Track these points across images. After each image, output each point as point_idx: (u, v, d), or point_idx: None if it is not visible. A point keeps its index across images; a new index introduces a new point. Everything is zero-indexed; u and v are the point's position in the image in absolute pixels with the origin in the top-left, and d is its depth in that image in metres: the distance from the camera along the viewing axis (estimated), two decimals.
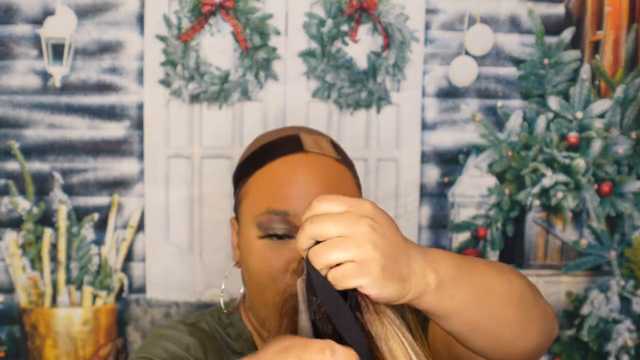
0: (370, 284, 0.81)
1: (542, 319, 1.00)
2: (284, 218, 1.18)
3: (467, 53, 2.07)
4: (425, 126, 2.08)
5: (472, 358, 1.05)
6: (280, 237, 1.19)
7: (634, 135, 2.13)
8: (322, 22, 2.01)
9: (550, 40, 2.09)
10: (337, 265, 0.82)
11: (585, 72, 2.10)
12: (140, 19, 1.99)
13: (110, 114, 2.00)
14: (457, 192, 2.10)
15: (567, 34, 2.09)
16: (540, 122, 2.10)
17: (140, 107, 2.01)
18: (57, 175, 2.01)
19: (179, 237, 2.05)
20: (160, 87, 2.00)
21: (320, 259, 0.82)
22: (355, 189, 1.27)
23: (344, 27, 2.02)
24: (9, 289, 2.03)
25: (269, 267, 1.18)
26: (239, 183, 1.29)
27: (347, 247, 0.81)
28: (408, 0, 2.03)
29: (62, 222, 2.02)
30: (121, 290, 2.05)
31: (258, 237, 1.21)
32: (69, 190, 2.01)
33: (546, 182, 2.10)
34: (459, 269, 0.90)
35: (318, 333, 0.83)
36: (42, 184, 2.01)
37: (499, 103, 2.09)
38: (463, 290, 0.89)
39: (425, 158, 2.08)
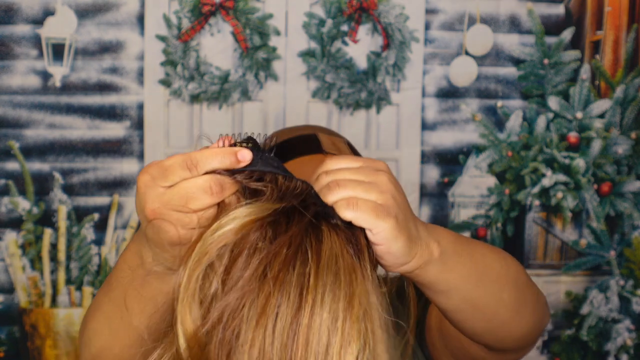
0: (384, 230, 0.78)
1: (534, 303, 1.00)
2: None
3: (467, 53, 2.07)
4: (425, 126, 2.08)
5: (463, 346, 1.05)
6: None
7: (633, 135, 2.13)
8: (322, 22, 2.01)
9: (550, 40, 2.09)
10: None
11: (585, 72, 2.10)
12: (141, 19, 1.99)
13: (110, 114, 2.00)
14: (457, 192, 2.10)
15: (567, 34, 2.10)
16: (540, 122, 2.10)
17: (140, 107, 2.01)
18: (57, 175, 2.01)
19: None
20: (160, 87, 2.01)
21: (338, 192, 0.78)
22: None
23: (344, 27, 2.02)
24: (9, 289, 2.03)
25: None
26: None
27: (370, 189, 0.78)
28: (408, 0, 2.03)
29: (62, 222, 2.02)
30: None
31: None
32: (69, 190, 2.01)
33: (546, 182, 2.11)
34: (459, 243, 0.90)
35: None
36: (42, 184, 2.01)
37: (499, 103, 2.09)
38: (464, 264, 0.89)
39: (425, 158, 2.08)
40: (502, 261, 0.95)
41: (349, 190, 0.78)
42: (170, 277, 0.83)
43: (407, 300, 0.94)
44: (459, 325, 0.97)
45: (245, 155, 0.79)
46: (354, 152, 1.28)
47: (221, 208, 0.79)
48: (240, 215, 0.77)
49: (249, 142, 0.81)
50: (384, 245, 0.79)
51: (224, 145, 0.80)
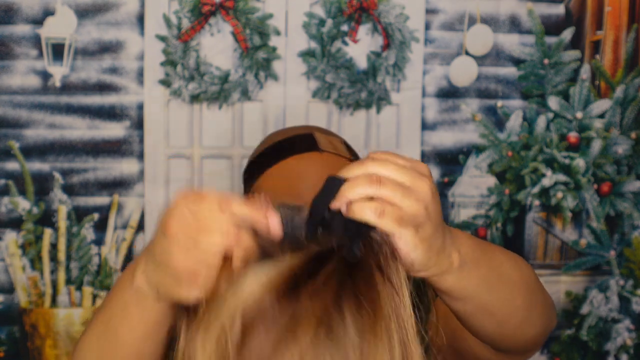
0: (408, 238, 0.79)
1: (544, 306, 1.01)
2: None
3: (467, 53, 2.07)
4: (425, 126, 2.08)
5: (469, 347, 1.05)
6: None
7: (633, 135, 2.13)
8: (322, 22, 2.01)
9: (550, 40, 2.09)
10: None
11: (585, 72, 2.10)
12: (141, 19, 1.99)
13: (110, 114, 2.00)
14: (457, 192, 2.10)
15: (567, 34, 2.10)
16: (540, 122, 2.10)
17: (140, 107, 2.01)
18: (57, 175, 2.01)
19: None
20: (160, 87, 2.00)
21: (369, 188, 0.78)
22: None
23: (344, 27, 2.02)
24: (9, 289, 2.03)
25: None
26: (249, 179, 1.28)
27: (407, 194, 0.78)
28: (408, 0, 2.03)
29: (62, 222, 2.02)
30: None
31: None
32: (69, 190, 2.01)
33: (546, 182, 2.11)
34: (479, 251, 0.90)
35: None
36: (42, 184, 2.01)
37: (499, 103, 2.09)
38: (481, 272, 0.89)
39: (425, 158, 2.08)
40: (517, 267, 0.96)
41: (387, 190, 0.78)
42: (150, 305, 0.84)
43: (423, 298, 0.95)
44: (472, 329, 0.98)
45: (275, 228, 0.79)
46: (351, 152, 1.28)
47: (225, 270, 0.79)
48: (259, 277, 0.77)
49: (286, 209, 0.81)
50: (403, 252, 0.80)
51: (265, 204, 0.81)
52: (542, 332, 1.02)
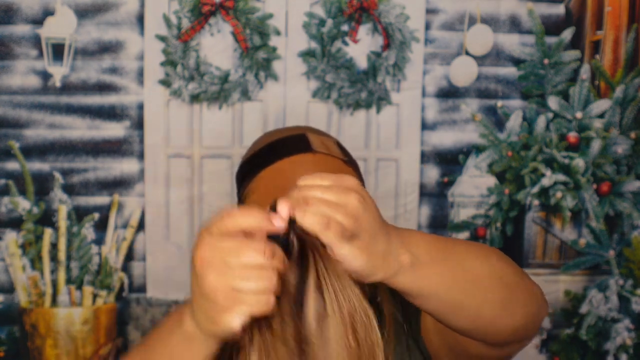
0: (343, 250, 0.82)
1: (526, 297, 0.99)
2: None
3: (467, 53, 2.07)
4: (425, 126, 2.08)
5: (460, 342, 1.05)
6: None
7: (633, 135, 2.13)
8: (322, 22, 2.01)
9: (550, 40, 2.09)
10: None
11: (585, 72, 2.10)
12: (140, 19, 1.98)
13: (110, 114, 2.00)
14: (456, 192, 2.10)
15: (567, 34, 2.10)
16: (540, 122, 2.10)
17: (140, 107, 2.01)
18: (57, 175, 2.01)
19: (179, 237, 2.06)
20: (160, 87, 2.00)
21: (307, 210, 0.82)
22: None
23: (344, 27, 2.02)
24: (9, 289, 2.03)
25: None
26: (243, 181, 1.28)
27: (336, 210, 0.82)
28: (408, 0, 2.03)
29: (62, 221, 2.02)
30: (121, 289, 2.05)
31: None
32: (69, 190, 2.01)
33: (545, 181, 2.11)
34: (436, 250, 0.90)
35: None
36: (42, 184, 2.01)
37: (499, 103, 2.09)
38: (438, 270, 0.90)
39: (425, 158, 2.08)
40: (484, 261, 0.95)
41: (315, 209, 0.81)
42: (198, 346, 0.86)
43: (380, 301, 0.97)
44: (447, 325, 0.98)
45: (278, 224, 0.82)
46: (344, 152, 1.28)
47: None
48: None
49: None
50: (346, 262, 0.83)
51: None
52: (528, 323, 1.00)
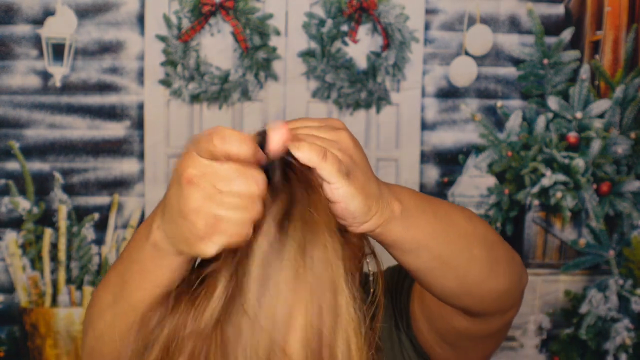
0: (342, 186, 0.79)
1: (508, 261, 0.98)
2: None
3: (466, 53, 2.08)
4: (425, 126, 2.08)
5: (447, 321, 1.04)
6: None
7: (633, 135, 2.13)
8: (322, 22, 2.01)
9: (550, 40, 2.09)
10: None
11: (584, 72, 2.11)
12: (141, 19, 1.99)
13: (110, 114, 2.01)
14: (456, 192, 2.10)
15: (567, 34, 2.10)
16: (540, 122, 2.10)
17: (140, 107, 2.01)
18: (58, 175, 2.01)
19: None
20: (161, 87, 2.01)
21: (305, 145, 0.78)
22: None
23: (344, 27, 2.02)
24: (9, 289, 2.03)
25: None
26: None
27: (330, 146, 0.79)
28: (408, 0, 2.03)
29: (63, 221, 2.02)
30: None
31: None
32: (69, 190, 2.01)
33: (545, 181, 2.11)
34: (423, 200, 0.90)
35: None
36: (43, 184, 2.01)
37: (499, 103, 2.09)
38: (428, 220, 0.88)
39: (425, 158, 2.08)
40: (467, 218, 0.94)
41: (311, 142, 0.78)
42: (167, 260, 0.82)
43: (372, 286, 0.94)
44: (432, 288, 0.95)
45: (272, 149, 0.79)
46: None
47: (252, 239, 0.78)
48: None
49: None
50: (342, 202, 0.80)
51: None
52: (511, 288, 0.99)
